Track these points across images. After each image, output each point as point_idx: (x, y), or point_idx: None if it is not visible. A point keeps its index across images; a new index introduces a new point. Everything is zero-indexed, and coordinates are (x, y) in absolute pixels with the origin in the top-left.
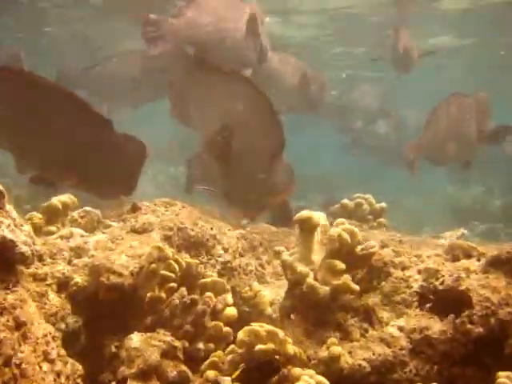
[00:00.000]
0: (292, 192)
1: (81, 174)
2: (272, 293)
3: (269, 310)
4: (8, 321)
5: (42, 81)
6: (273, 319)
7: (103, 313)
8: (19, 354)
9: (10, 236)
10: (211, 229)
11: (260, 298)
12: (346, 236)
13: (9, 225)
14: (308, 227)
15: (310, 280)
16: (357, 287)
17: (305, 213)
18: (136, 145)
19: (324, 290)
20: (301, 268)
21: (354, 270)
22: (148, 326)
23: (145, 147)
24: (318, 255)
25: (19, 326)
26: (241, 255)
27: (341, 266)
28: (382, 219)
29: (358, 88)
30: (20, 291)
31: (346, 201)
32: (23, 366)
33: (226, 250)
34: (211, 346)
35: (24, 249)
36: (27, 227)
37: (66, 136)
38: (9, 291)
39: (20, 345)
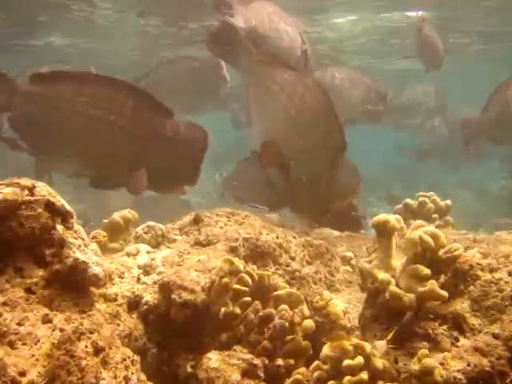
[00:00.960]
0: (359, 194)
1: (147, 169)
2: (344, 301)
3: (343, 320)
4: (87, 346)
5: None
6: (348, 329)
7: (175, 331)
8: (101, 382)
9: (82, 257)
10: (276, 237)
11: (332, 308)
12: (428, 239)
13: (79, 245)
14: (386, 231)
15: (394, 288)
16: (445, 293)
17: (382, 216)
18: (197, 132)
19: (409, 297)
20: (382, 275)
21: (438, 274)
22: (223, 343)
23: (206, 133)
24: (397, 260)
25: (98, 351)
26: (308, 263)
27: (426, 271)
28: (448, 217)
29: (413, 86)
30: (96, 314)
31: (408, 200)
32: None
33: (293, 259)
34: (291, 361)
35: (97, 270)
36: (94, 246)
37: (129, 129)
38: (84, 315)
39: (101, 372)
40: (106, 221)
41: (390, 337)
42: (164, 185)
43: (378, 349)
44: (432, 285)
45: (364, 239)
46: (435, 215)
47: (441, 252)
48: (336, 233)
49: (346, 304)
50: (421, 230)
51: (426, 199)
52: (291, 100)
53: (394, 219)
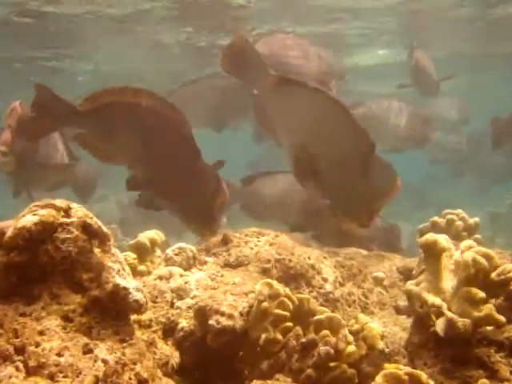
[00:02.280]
0: (397, 192)
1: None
2: (380, 324)
3: (381, 345)
4: (131, 379)
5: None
6: (386, 354)
7: (212, 358)
8: None
9: (122, 283)
10: (309, 258)
11: (369, 332)
12: (482, 260)
13: (118, 270)
14: (434, 252)
15: (447, 312)
16: (503, 318)
17: (430, 236)
18: (211, 177)
19: (464, 322)
20: (433, 299)
21: (491, 297)
22: (264, 371)
23: (219, 180)
24: (447, 283)
25: (141, 383)
26: (341, 284)
27: (481, 294)
28: (478, 236)
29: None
30: (138, 343)
31: (436, 218)
32: None
33: (325, 280)
34: None
35: (138, 296)
36: (128, 269)
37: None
38: (126, 344)
39: None
40: (132, 242)
41: None
42: (185, 217)
43: None
44: (489, 309)
45: (393, 259)
46: (464, 233)
47: (493, 274)
48: (364, 252)
49: (383, 327)
50: (472, 251)
51: (455, 216)
52: (311, 113)
53: (443, 239)
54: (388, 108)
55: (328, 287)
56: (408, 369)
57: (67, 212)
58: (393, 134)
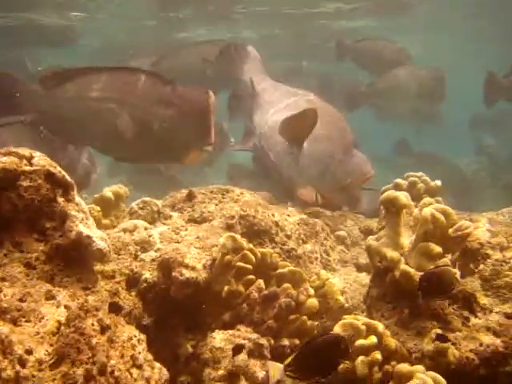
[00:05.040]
0: (368, 177)
1: (156, 142)
2: (341, 280)
3: (341, 300)
4: (93, 324)
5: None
6: (345, 309)
7: (175, 310)
8: (110, 361)
9: (86, 231)
10: (273, 215)
11: (330, 287)
12: (440, 216)
13: (82, 219)
14: (395, 208)
15: (405, 266)
16: (457, 272)
17: (390, 193)
18: (196, 93)
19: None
20: (391, 253)
21: (447, 253)
22: (226, 322)
23: (206, 93)
24: (406, 238)
25: (104, 329)
26: (304, 242)
27: (438, 249)
28: (439, 198)
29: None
30: (101, 292)
31: (399, 180)
32: (116, 373)
33: (289, 237)
34: (296, 341)
35: (101, 245)
36: (92, 220)
37: (134, 104)
38: (88, 291)
39: (108, 350)
40: (96, 196)
41: (288, 360)
42: (178, 152)
43: (273, 372)
44: (445, 263)
45: (355, 219)
46: (425, 195)
47: (451, 230)
48: (327, 212)
49: (344, 284)
50: (432, 207)
51: (417, 179)
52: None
53: (403, 196)
54: (403, 74)
55: (291, 244)
56: (365, 319)
57: (30, 160)
58: (411, 96)
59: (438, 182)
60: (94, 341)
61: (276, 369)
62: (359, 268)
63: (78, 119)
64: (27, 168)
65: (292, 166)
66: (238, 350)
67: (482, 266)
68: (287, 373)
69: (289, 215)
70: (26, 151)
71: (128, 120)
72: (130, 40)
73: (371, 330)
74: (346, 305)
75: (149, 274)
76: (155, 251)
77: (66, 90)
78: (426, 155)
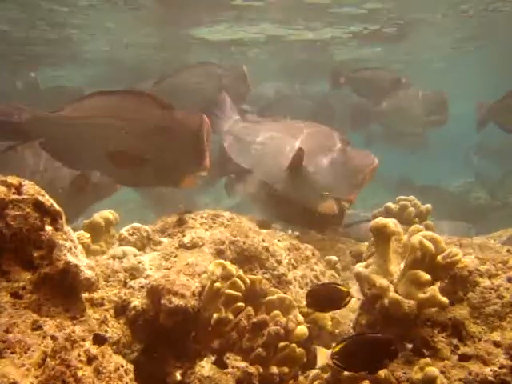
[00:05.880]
0: (373, 170)
1: (152, 167)
2: None
3: (330, 326)
4: (80, 355)
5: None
6: (335, 335)
7: (164, 337)
8: None
9: (73, 260)
10: (263, 240)
11: (320, 313)
12: (429, 244)
13: (70, 248)
14: (384, 236)
15: (394, 294)
16: (446, 300)
17: (379, 220)
18: (191, 117)
19: (409, 304)
20: (380, 281)
21: (436, 280)
22: (215, 350)
23: (200, 117)
24: (395, 266)
25: (91, 360)
26: (294, 267)
27: (426, 277)
28: (428, 221)
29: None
30: (88, 321)
31: (389, 204)
32: None
33: (279, 263)
34: (285, 369)
35: (89, 274)
36: (80, 248)
37: (131, 128)
38: (76, 321)
39: (94, 382)
40: (86, 221)
41: (337, 349)
42: (174, 177)
43: (320, 357)
44: (433, 291)
45: (346, 243)
46: (416, 219)
47: (439, 257)
48: (319, 236)
49: None
50: (420, 235)
51: (407, 203)
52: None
53: (392, 223)
54: (407, 95)
55: (281, 269)
56: None
57: (18, 189)
58: (414, 118)
59: (429, 206)
60: (80, 373)
61: (323, 354)
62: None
63: (76, 144)
64: (15, 197)
65: (301, 189)
66: None
67: (470, 294)
68: (333, 361)
69: (279, 240)
70: (14, 180)
71: (123, 145)
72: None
73: None
74: (336, 331)
75: (138, 302)
76: (144, 278)
77: (65, 116)
78: (429, 187)
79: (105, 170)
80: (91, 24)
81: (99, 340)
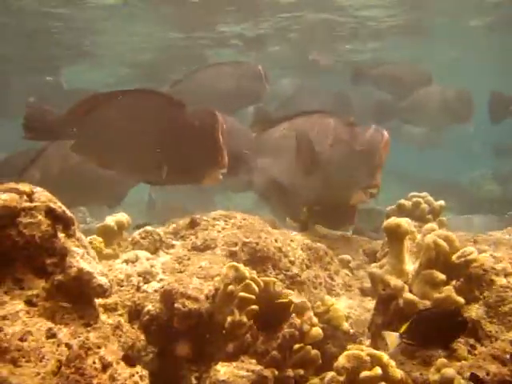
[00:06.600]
0: (387, 145)
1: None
2: (345, 306)
3: (345, 326)
4: (95, 362)
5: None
6: (350, 335)
7: (178, 341)
8: None
9: (86, 267)
10: (276, 241)
11: (334, 313)
12: (443, 243)
13: (83, 254)
14: (397, 235)
15: (409, 295)
16: (462, 300)
17: (393, 220)
18: (204, 114)
19: (424, 304)
20: (395, 281)
21: (451, 279)
22: (230, 353)
23: (213, 114)
24: (409, 265)
25: (105, 367)
26: (307, 267)
27: (441, 276)
28: (442, 218)
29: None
30: (102, 328)
31: (402, 201)
32: None
33: (292, 263)
34: (300, 371)
35: (102, 280)
36: (93, 253)
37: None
38: (90, 328)
39: None
40: (99, 225)
41: (403, 329)
42: (193, 174)
43: (391, 342)
44: (448, 291)
45: (359, 241)
46: (429, 216)
47: (454, 256)
48: (332, 234)
49: (348, 309)
50: (434, 234)
51: (420, 199)
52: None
53: (405, 223)
54: (431, 92)
55: (294, 269)
56: (370, 350)
57: (30, 196)
58: (439, 114)
59: (442, 202)
60: (95, 381)
61: (392, 338)
62: (364, 292)
63: (104, 145)
64: (27, 204)
65: (326, 186)
66: None
67: (486, 293)
68: (404, 340)
69: (292, 240)
70: (26, 187)
71: (144, 145)
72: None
73: (376, 361)
74: (351, 331)
75: (151, 306)
76: (158, 282)
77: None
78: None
79: (129, 170)
80: (113, 27)
81: (129, 362)
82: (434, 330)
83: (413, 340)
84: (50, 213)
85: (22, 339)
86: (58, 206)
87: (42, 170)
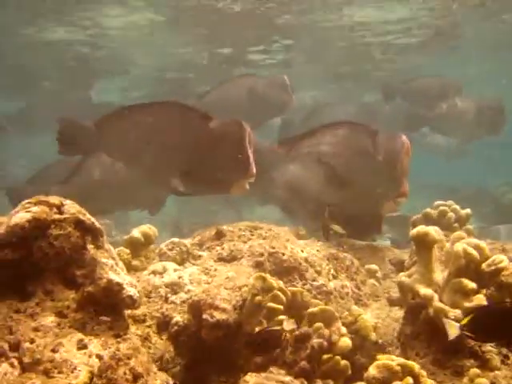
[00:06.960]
0: (407, 148)
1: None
2: (373, 316)
3: (374, 336)
4: (125, 373)
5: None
6: (379, 345)
7: (207, 352)
8: None
9: (116, 278)
10: (301, 251)
11: (362, 323)
12: (473, 251)
13: (112, 266)
14: (426, 244)
15: (439, 304)
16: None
17: (421, 228)
18: (230, 125)
19: (455, 313)
20: (424, 290)
21: (482, 288)
22: (259, 364)
23: (239, 124)
24: (438, 274)
25: (136, 378)
26: (334, 277)
27: (472, 285)
28: (469, 226)
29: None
30: (132, 339)
31: (428, 210)
32: None
33: (319, 273)
34: (330, 382)
35: (132, 291)
36: (121, 264)
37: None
38: (120, 339)
39: None
40: (126, 237)
41: (465, 321)
42: (221, 184)
43: (451, 331)
44: (480, 300)
45: (385, 250)
46: (456, 224)
47: (484, 265)
48: (357, 244)
49: (376, 319)
50: (463, 242)
51: (447, 208)
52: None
53: (433, 231)
54: (461, 103)
55: (321, 280)
56: (400, 359)
57: (60, 208)
58: (470, 125)
59: (468, 211)
60: None
61: (453, 327)
62: (391, 302)
63: (132, 157)
64: (57, 216)
65: (356, 198)
66: None
67: None
68: (464, 332)
69: (318, 250)
70: (56, 199)
71: (171, 157)
72: None
73: (407, 371)
74: (380, 341)
75: (179, 317)
76: (185, 293)
77: (115, 130)
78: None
79: (158, 182)
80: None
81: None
82: (496, 325)
83: (473, 333)
84: (79, 224)
85: (53, 350)
86: (87, 217)
87: (85, 178)
